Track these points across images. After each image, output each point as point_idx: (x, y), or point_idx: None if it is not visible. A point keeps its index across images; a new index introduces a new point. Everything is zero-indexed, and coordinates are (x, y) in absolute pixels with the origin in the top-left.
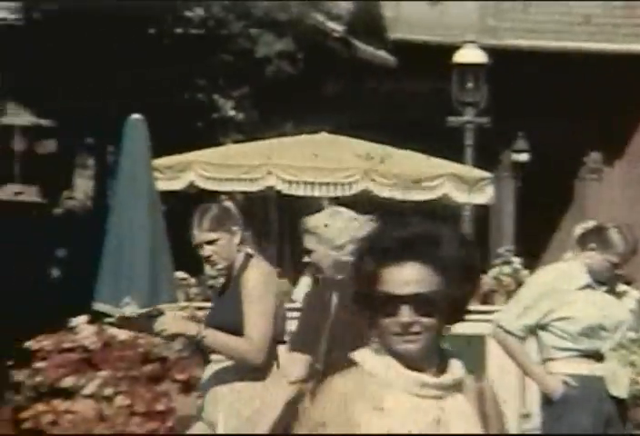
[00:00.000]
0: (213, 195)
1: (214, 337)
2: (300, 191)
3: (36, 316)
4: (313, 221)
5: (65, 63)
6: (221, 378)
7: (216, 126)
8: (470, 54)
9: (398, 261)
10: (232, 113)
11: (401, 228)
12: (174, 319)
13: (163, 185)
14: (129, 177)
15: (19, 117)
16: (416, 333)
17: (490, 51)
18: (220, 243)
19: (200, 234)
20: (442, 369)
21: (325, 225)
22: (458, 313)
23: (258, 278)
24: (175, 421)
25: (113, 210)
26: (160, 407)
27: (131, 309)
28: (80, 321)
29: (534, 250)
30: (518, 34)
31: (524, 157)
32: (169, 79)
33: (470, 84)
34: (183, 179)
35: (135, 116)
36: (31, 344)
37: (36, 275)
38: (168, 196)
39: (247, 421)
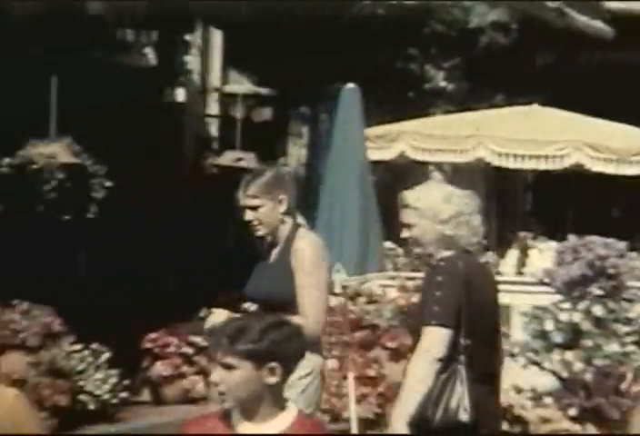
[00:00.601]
0: (421, 165)
1: None
2: (510, 163)
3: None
4: (412, 195)
5: (285, 34)
6: None
7: (427, 97)
8: None
9: None
10: (443, 83)
11: None
12: (219, 315)
13: (373, 155)
14: (342, 146)
15: (241, 85)
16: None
17: None
18: (262, 210)
19: (244, 198)
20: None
21: (427, 199)
22: None
23: (310, 249)
24: (385, 387)
25: (324, 178)
26: (371, 372)
27: (340, 276)
28: None
29: None
30: None
31: None
32: (383, 50)
33: None
34: (393, 149)
35: (350, 86)
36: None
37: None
38: (377, 166)
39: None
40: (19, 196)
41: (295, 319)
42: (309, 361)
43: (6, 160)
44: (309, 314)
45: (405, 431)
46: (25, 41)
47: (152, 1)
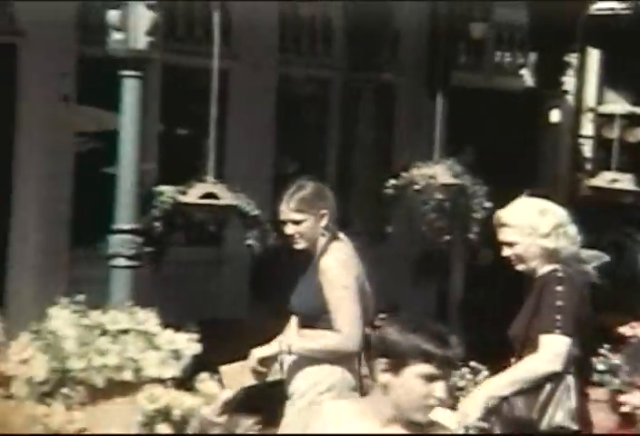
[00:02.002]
0: None
1: (300, 345)
2: None
3: None
4: (507, 213)
5: None
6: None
7: None
8: None
9: None
10: None
11: None
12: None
13: None
14: None
15: (617, 105)
16: None
17: None
18: (305, 225)
19: (287, 213)
20: None
21: (523, 216)
22: None
23: (336, 264)
24: None
25: None
26: None
27: None
28: None
29: None
30: None
31: None
32: None
33: None
34: None
35: None
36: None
37: None
38: None
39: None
40: (400, 217)
41: (329, 334)
42: (330, 376)
43: (392, 181)
44: (342, 329)
45: (477, 415)
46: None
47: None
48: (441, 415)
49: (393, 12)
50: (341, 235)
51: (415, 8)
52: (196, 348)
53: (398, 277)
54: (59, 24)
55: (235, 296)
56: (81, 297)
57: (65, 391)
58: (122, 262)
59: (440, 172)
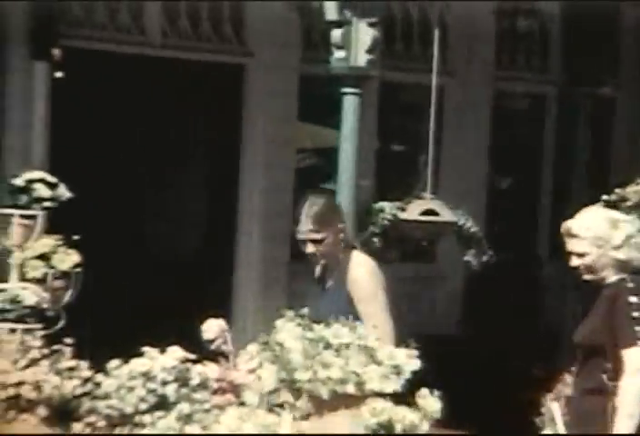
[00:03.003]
0: None
1: None
2: None
3: None
4: (578, 224)
5: None
6: None
7: None
8: None
9: None
10: None
11: None
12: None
13: None
14: None
15: None
16: None
17: None
18: (326, 243)
19: (306, 233)
20: None
21: (595, 228)
22: None
23: (367, 276)
24: None
25: None
26: None
27: None
28: None
29: None
30: None
31: None
32: None
33: None
34: None
35: None
36: None
37: None
38: None
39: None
40: None
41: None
42: None
43: (604, 197)
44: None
45: None
46: None
47: None
48: None
49: (615, 24)
50: (355, 243)
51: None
52: (416, 364)
53: None
54: (286, 44)
55: (448, 312)
56: (305, 310)
57: (292, 401)
58: None
59: None
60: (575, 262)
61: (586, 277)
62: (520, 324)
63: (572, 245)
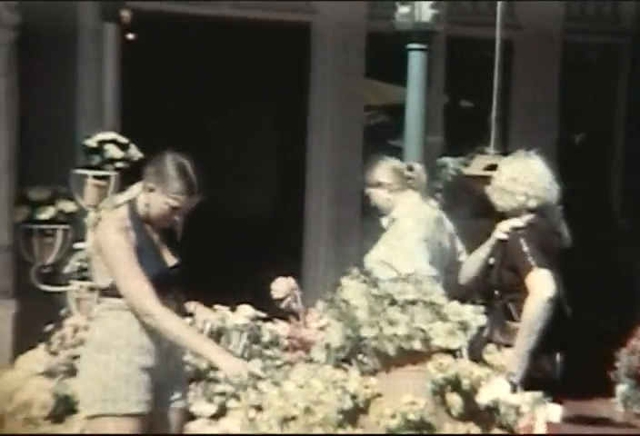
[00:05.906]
0: None
1: None
2: None
3: None
4: None
5: None
6: None
7: None
8: None
9: None
10: None
11: None
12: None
13: None
14: None
15: None
16: None
17: None
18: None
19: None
20: None
21: None
22: None
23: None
24: None
25: None
26: None
27: None
28: None
29: None
30: None
31: None
32: None
33: None
34: None
35: None
36: None
37: None
38: None
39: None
40: None
41: None
42: None
43: None
44: None
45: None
46: None
47: None
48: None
49: None
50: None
51: None
52: (482, 320)
53: None
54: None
55: None
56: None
57: (359, 357)
58: None
59: None
60: None
61: None
62: (593, 279)
63: None
